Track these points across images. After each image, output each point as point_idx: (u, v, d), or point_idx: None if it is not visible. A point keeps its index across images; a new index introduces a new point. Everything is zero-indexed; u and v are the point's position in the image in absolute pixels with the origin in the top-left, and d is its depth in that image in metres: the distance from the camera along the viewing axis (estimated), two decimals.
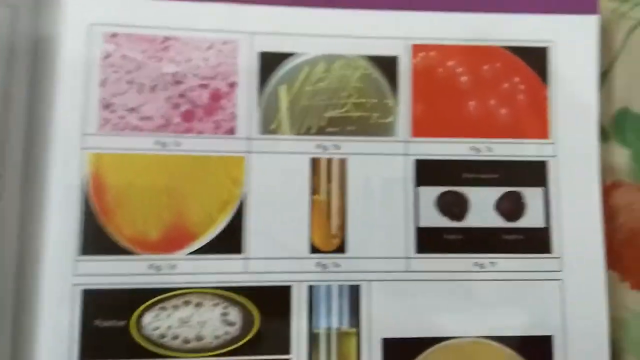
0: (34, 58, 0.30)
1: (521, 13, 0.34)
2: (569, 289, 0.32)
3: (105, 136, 0.31)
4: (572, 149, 0.33)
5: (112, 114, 0.31)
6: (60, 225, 0.30)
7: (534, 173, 0.33)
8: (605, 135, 0.35)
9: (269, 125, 0.32)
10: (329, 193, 0.32)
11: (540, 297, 0.32)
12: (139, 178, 0.31)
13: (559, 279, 0.32)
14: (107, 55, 0.31)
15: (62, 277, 0.29)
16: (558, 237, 0.32)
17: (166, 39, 0.32)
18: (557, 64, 0.34)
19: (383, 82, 0.33)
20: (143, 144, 0.31)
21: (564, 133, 0.33)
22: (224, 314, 0.30)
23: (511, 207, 0.33)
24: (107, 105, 0.31)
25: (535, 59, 0.34)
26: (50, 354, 0.29)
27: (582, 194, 0.33)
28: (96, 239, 0.30)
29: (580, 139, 0.33)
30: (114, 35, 0.31)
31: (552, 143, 0.33)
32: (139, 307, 0.30)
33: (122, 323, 0.29)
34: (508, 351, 0.31)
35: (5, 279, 0.29)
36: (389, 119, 0.33)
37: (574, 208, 0.33)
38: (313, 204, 0.32)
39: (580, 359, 0.31)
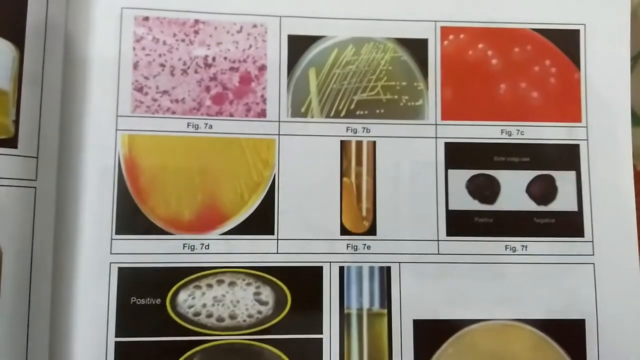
0: (67, 41, 0.33)
1: None
2: (601, 273, 0.34)
3: (138, 118, 0.33)
4: (604, 132, 0.35)
5: (145, 97, 0.33)
6: (95, 205, 0.32)
7: (566, 156, 0.35)
8: (638, 120, 0.36)
9: (299, 108, 0.34)
10: (358, 176, 0.34)
11: (573, 280, 0.34)
12: (172, 160, 0.33)
13: (591, 263, 0.34)
14: (139, 39, 0.33)
15: (99, 256, 0.32)
16: (590, 220, 0.34)
17: (196, 22, 0.34)
18: (588, 47, 0.35)
19: (413, 64, 0.35)
20: (176, 126, 0.33)
21: (596, 116, 0.35)
22: (257, 294, 0.32)
23: (543, 190, 0.34)
24: (140, 88, 0.33)
25: (566, 41, 0.35)
26: (87, 331, 0.31)
27: (614, 177, 0.34)
28: (131, 219, 0.32)
29: (612, 122, 0.35)
30: (146, 18, 0.34)
31: (584, 126, 0.35)
32: (174, 285, 0.32)
33: (157, 301, 0.32)
34: (540, 334, 0.33)
35: (42, 259, 0.31)
36: (419, 102, 0.35)
37: (607, 192, 0.34)
38: (343, 186, 0.34)
39: (613, 342, 0.33)
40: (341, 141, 0.34)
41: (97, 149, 0.33)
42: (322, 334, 0.33)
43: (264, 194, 0.33)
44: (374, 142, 0.34)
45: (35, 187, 0.31)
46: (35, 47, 0.31)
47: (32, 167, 0.31)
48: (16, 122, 0.30)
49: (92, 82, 0.33)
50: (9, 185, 0.30)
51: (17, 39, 0.31)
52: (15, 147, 0.30)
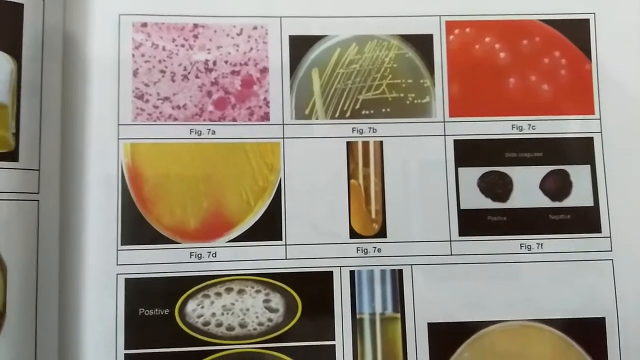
0: (65, 51, 0.33)
1: None
2: (620, 269, 0.34)
3: (140, 126, 0.33)
4: (619, 123, 0.35)
5: (146, 104, 0.33)
6: (100, 216, 0.32)
7: (580, 150, 0.35)
8: None
9: (303, 110, 0.34)
10: (366, 177, 0.34)
11: (591, 278, 0.33)
12: (176, 167, 0.33)
13: (609, 259, 0.34)
14: (138, 45, 0.34)
15: (105, 267, 0.32)
16: (607, 215, 0.34)
17: (195, 26, 0.34)
18: (599, 36, 0.35)
19: (418, 61, 0.35)
20: (178, 133, 0.33)
21: (609, 108, 0.35)
22: (267, 301, 0.32)
23: (557, 185, 0.34)
24: (140, 95, 0.33)
25: (576, 32, 0.35)
26: (95, 343, 0.32)
27: (630, 170, 0.34)
28: (137, 229, 0.32)
29: (627, 113, 0.35)
30: (144, 24, 0.34)
31: (598, 118, 0.35)
32: (182, 295, 0.32)
33: (166, 311, 0.32)
34: (559, 334, 0.33)
35: (48, 273, 0.31)
36: (426, 100, 0.35)
37: (623, 185, 0.34)
38: (350, 189, 0.34)
39: (635, 340, 0.33)
40: (347, 142, 0.34)
41: (99, 159, 0.33)
42: (334, 340, 0.33)
43: (270, 199, 0.33)
44: (381, 142, 0.34)
45: (38, 201, 0.31)
46: (33, 59, 0.32)
47: (34, 180, 0.31)
48: (16, 135, 0.31)
49: (92, 91, 0.33)
50: (12, 200, 0.30)
51: (14, 51, 0.31)
52: (17, 160, 0.31)
